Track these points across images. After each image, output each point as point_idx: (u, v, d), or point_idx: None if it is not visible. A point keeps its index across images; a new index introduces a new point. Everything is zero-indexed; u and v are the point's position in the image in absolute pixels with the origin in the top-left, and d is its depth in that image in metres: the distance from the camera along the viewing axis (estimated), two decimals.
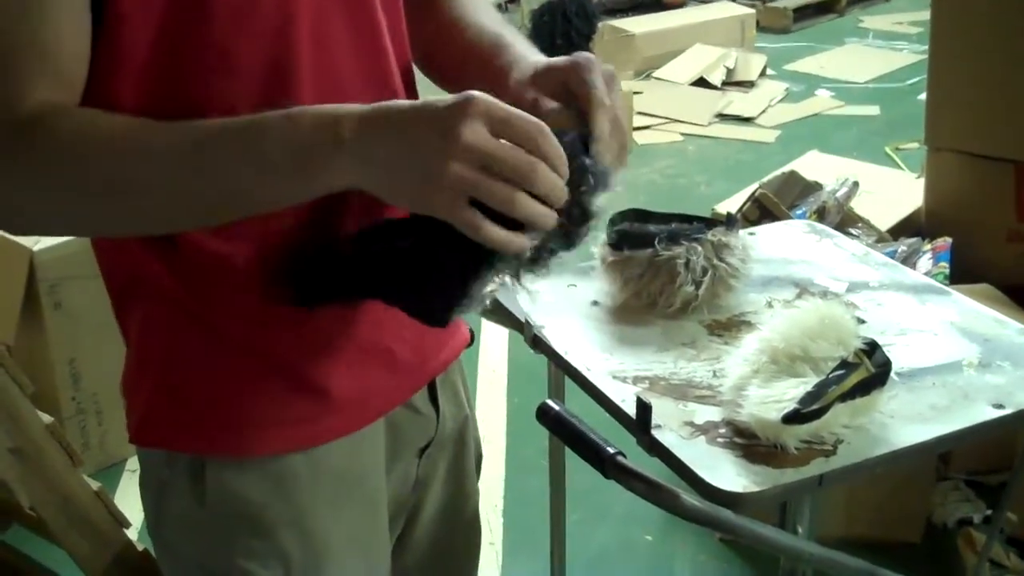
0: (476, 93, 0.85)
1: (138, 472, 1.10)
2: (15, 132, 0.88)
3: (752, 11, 6.85)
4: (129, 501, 2.45)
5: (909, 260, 2.64)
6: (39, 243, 2.54)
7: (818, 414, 1.17)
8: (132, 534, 2.13)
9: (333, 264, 0.97)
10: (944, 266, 2.63)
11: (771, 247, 1.71)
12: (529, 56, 1.09)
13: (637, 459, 1.11)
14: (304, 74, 0.97)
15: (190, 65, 0.93)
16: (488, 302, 0.94)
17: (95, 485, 2.01)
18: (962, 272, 2.67)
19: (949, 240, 2.74)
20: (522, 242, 0.88)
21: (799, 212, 2.75)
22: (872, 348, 1.24)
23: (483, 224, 0.86)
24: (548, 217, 0.88)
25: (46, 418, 1.91)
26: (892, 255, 2.56)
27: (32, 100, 0.88)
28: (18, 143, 0.88)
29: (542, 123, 0.87)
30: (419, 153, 0.85)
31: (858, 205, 3.00)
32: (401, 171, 0.86)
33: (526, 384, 3.16)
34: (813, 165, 3.61)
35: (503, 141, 0.85)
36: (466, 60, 1.16)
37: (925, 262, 2.65)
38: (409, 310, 0.97)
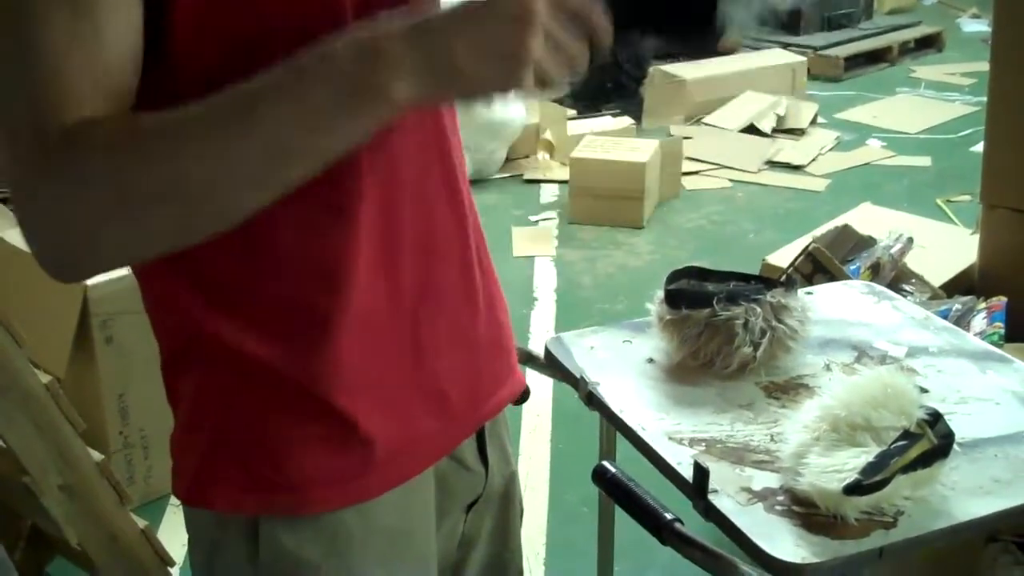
0: None
1: (181, 507, 1.10)
2: (53, 147, 0.84)
3: (803, 59, 6.82)
4: (173, 536, 2.46)
5: (963, 319, 2.61)
6: (93, 278, 2.56)
7: (880, 486, 1.15)
8: (176, 572, 2.14)
9: None
10: (999, 326, 2.59)
11: (829, 308, 1.69)
12: None
13: (686, 514, 1.10)
14: None
15: None
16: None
17: (141, 523, 2.02)
18: (1018, 331, 2.64)
19: (1004, 299, 2.71)
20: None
21: (853, 267, 2.73)
22: (935, 419, 1.22)
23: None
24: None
25: (96, 455, 1.92)
26: (946, 313, 2.53)
27: (72, 119, 0.84)
28: (57, 156, 0.84)
29: None
30: (498, 35, 0.84)
31: (910, 260, 2.96)
32: (476, 56, 0.85)
33: (570, 429, 3.13)
34: (865, 218, 3.58)
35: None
36: None
37: (979, 321, 2.61)
38: None
